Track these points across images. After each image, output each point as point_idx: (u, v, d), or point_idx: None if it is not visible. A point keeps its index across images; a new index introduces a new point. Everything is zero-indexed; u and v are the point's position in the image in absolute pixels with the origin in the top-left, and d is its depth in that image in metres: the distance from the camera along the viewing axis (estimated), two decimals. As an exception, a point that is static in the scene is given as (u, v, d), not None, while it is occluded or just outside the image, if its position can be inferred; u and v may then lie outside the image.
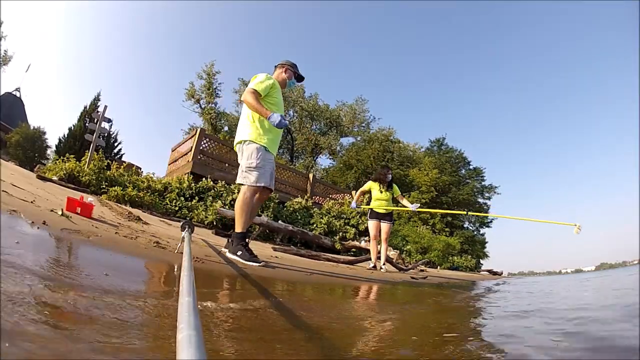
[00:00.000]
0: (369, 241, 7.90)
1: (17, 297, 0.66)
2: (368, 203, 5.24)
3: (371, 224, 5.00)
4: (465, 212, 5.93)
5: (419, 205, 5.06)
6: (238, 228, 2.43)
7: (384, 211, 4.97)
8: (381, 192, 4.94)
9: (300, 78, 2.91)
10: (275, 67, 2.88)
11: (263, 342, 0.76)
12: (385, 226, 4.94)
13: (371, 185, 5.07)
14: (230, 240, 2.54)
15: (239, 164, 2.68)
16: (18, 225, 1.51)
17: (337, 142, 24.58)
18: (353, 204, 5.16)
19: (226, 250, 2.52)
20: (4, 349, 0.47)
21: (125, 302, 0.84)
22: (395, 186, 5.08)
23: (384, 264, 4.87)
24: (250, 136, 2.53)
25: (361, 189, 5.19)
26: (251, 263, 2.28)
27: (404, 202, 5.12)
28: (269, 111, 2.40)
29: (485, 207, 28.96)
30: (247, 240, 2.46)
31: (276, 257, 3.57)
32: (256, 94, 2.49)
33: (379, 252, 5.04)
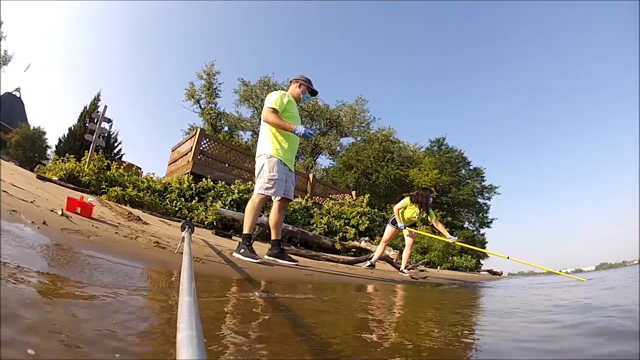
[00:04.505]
0: (368, 242, 7.94)
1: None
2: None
3: (390, 230, 4.90)
4: (507, 257, 5.57)
5: (456, 238, 4.83)
6: (244, 229, 2.64)
7: (408, 225, 4.89)
8: (416, 215, 4.72)
9: (313, 92, 3.05)
10: (290, 81, 3.04)
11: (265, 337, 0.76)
12: (411, 235, 4.86)
13: (407, 204, 4.76)
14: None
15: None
16: (18, 225, 1.51)
17: (337, 142, 24.59)
18: (400, 225, 4.78)
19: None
20: (4, 349, 0.47)
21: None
22: (431, 211, 4.80)
23: (405, 268, 4.78)
24: (269, 151, 2.68)
25: (399, 207, 4.78)
26: (249, 259, 2.45)
27: (440, 228, 4.83)
28: (292, 125, 2.59)
29: (485, 207, 29.01)
30: (251, 240, 2.65)
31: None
32: (275, 111, 2.65)
33: (382, 253, 5.04)
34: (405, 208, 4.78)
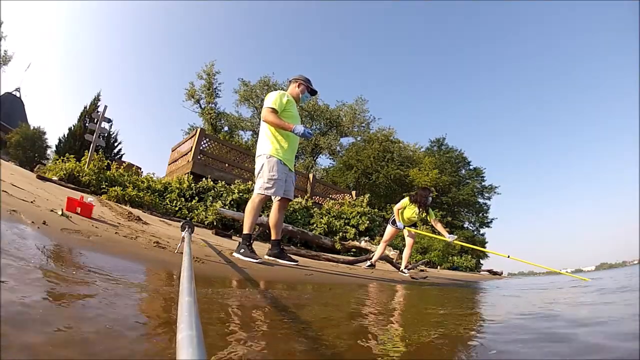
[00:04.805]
0: (368, 242, 7.94)
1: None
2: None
3: (390, 230, 4.90)
4: (507, 256, 5.38)
5: (455, 237, 4.73)
6: (244, 229, 2.64)
7: (408, 225, 4.90)
8: (415, 215, 4.71)
9: (313, 92, 3.06)
10: (290, 81, 3.04)
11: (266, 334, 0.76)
12: (411, 236, 4.88)
13: (407, 204, 4.77)
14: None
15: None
16: (18, 225, 1.51)
17: (337, 142, 24.59)
18: (400, 225, 4.77)
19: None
20: (4, 349, 0.47)
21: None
22: (431, 211, 4.79)
23: (405, 268, 4.79)
24: (269, 151, 2.69)
25: (399, 207, 4.79)
26: (249, 259, 2.45)
27: (439, 227, 4.80)
28: (292, 124, 2.58)
29: (485, 207, 29.01)
30: (251, 240, 2.65)
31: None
32: (274, 111, 2.65)
33: (383, 253, 5.06)
34: (404, 208, 4.78)
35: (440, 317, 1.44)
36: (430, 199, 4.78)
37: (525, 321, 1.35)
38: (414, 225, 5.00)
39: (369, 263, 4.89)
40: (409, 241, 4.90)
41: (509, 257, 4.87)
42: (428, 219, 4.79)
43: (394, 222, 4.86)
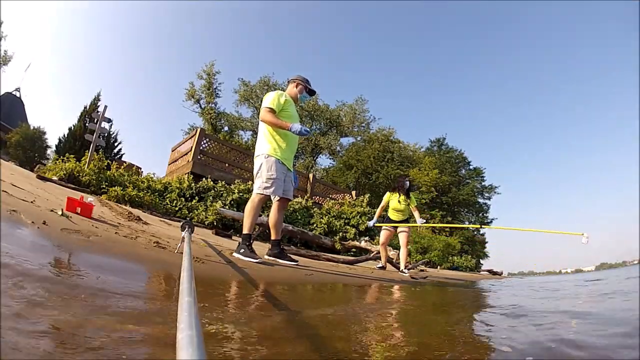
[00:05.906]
0: (369, 242, 7.94)
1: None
2: (384, 218, 5.01)
3: (383, 232, 4.94)
4: (479, 226, 5.38)
5: (424, 221, 4.84)
6: (244, 229, 2.64)
7: (399, 218, 4.91)
8: (399, 202, 4.78)
9: (311, 92, 3.08)
10: (288, 81, 3.06)
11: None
12: (402, 234, 4.88)
13: (389, 196, 4.90)
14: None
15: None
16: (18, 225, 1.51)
17: (337, 142, 24.56)
18: (370, 223, 4.93)
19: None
20: (4, 348, 0.47)
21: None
22: (412, 196, 4.89)
23: (405, 268, 4.77)
24: (267, 150, 2.70)
25: (381, 205, 4.96)
26: (249, 259, 2.45)
27: (415, 214, 4.89)
28: (288, 123, 2.60)
29: (485, 207, 28.97)
30: (251, 240, 2.65)
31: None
32: (272, 111, 2.67)
33: (387, 255, 5.07)
34: (389, 201, 4.89)
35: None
36: (408, 183, 4.89)
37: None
38: (407, 220, 4.97)
39: (380, 264, 4.95)
40: (401, 240, 4.89)
41: (480, 226, 4.92)
42: (410, 205, 4.84)
43: (385, 222, 4.93)
